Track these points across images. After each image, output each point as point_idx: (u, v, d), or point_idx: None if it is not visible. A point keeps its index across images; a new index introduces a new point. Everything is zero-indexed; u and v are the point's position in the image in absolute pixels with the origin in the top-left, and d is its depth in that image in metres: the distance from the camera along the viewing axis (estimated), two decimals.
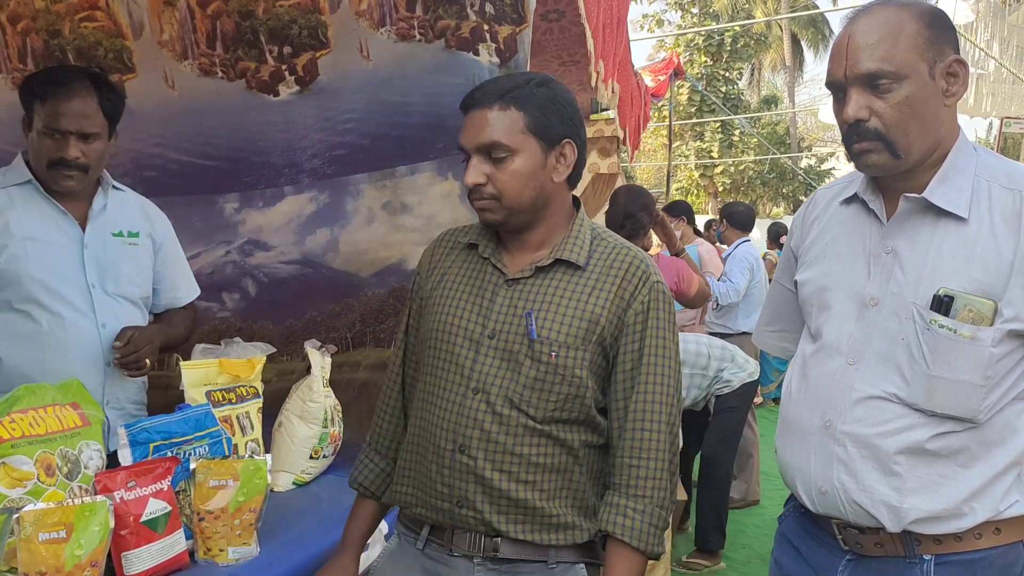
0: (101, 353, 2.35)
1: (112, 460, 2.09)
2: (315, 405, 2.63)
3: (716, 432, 4.74)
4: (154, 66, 3.27)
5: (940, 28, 1.56)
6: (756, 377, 4.84)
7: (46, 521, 1.70)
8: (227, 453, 2.25)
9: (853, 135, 1.60)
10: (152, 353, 2.37)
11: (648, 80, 7.34)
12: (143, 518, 1.89)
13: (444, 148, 2.95)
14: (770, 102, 33.64)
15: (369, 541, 2.08)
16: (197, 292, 2.76)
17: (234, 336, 2.74)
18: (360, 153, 3.16)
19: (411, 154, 3.04)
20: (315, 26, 3.07)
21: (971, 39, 8.97)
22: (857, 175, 1.74)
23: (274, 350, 2.68)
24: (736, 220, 6.39)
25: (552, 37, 5.19)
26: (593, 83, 4.48)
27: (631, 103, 5.70)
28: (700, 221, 14.56)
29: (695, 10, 29.01)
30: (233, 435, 2.37)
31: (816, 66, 37.70)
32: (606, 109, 8.31)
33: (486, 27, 2.86)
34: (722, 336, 5.52)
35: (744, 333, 5.88)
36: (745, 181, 29.04)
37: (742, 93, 30.56)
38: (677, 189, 28.33)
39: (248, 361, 2.53)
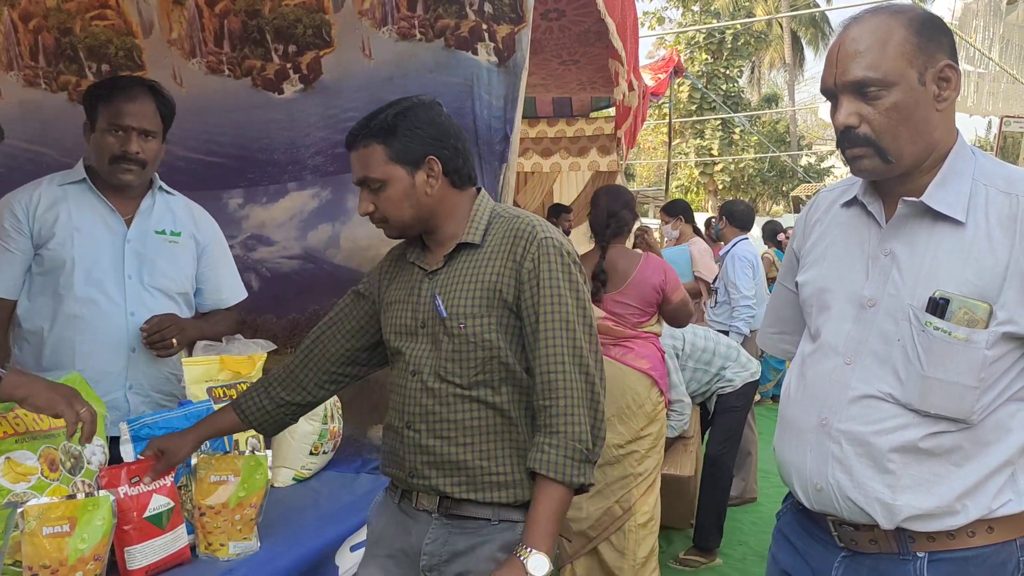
0: (126, 339, 2.49)
1: (113, 448, 2.12)
2: None
3: (720, 432, 4.77)
4: (163, 64, 3.31)
5: (931, 34, 1.58)
6: (758, 377, 4.86)
7: (50, 515, 1.72)
8: (228, 449, 2.27)
9: (845, 141, 1.63)
10: (179, 335, 2.50)
11: (648, 79, 7.34)
12: (146, 514, 1.91)
13: None
14: (770, 100, 33.65)
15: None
16: (243, 295, 2.87)
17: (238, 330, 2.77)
18: None
19: None
20: (319, 25, 3.10)
21: (968, 39, 8.97)
22: (858, 178, 1.76)
23: (274, 347, 2.71)
24: (736, 219, 6.38)
25: (552, 36, 5.21)
26: (626, 80, 4.49)
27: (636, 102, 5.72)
28: (700, 219, 14.57)
29: (696, 7, 29.00)
30: None
31: (816, 64, 37.59)
32: (605, 107, 8.33)
33: (485, 26, 2.87)
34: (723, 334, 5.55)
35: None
36: (745, 179, 29.06)
37: (742, 91, 30.55)
38: (677, 187, 28.35)
39: (249, 358, 2.56)
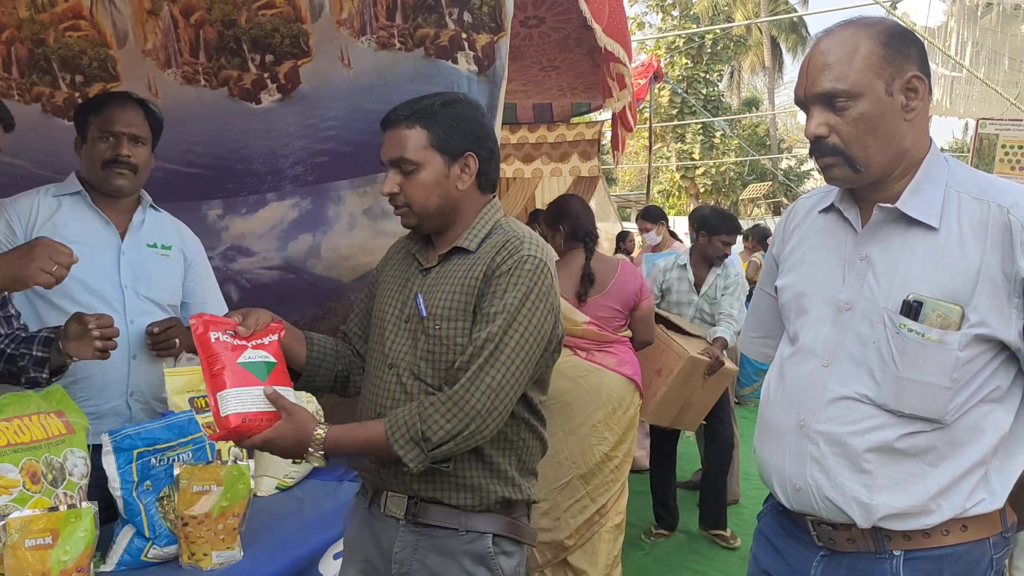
0: (128, 347, 2.51)
1: (95, 457, 2.12)
2: None
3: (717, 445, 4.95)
4: (138, 75, 3.29)
5: (899, 46, 1.61)
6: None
7: (32, 528, 1.72)
8: (211, 459, 2.27)
9: (816, 151, 1.68)
10: (180, 337, 2.54)
11: None
12: (240, 359, 1.79)
13: None
14: (751, 104, 33.84)
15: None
16: (224, 310, 2.83)
17: None
18: (341, 160, 3.18)
19: None
20: (297, 35, 3.09)
21: (938, 44, 9.05)
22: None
23: None
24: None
25: (532, 43, 5.22)
26: (632, 80, 4.50)
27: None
28: (682, 223, 14.65)
29: (675, 12, 29.14)
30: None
31: (795, 68, 37.82)
32: (586, 112, 8.36)
33: (464, 36, 2.89)
34: None
35: None
36: (726, 182, 29.18)
37: (722, 95, 30.71)
38: (659, 191, 28.47)
39: None
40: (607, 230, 9.67)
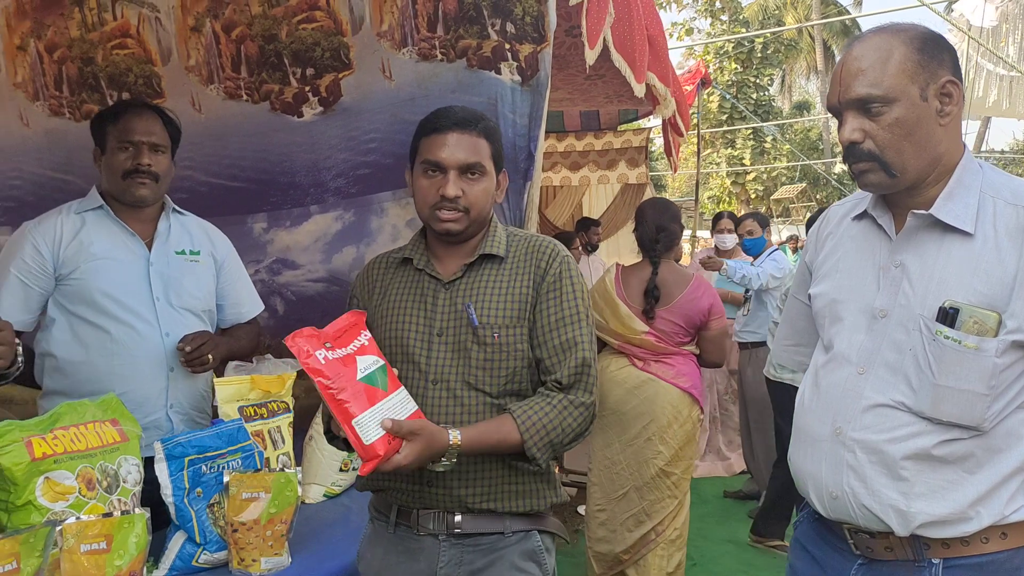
0: (165, 359, 2.54)
1: (148, 468, 2.16)
2: None
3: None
4: (182, 91, 3.36)
5: (932, 51, 1.61)
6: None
7: (87, 533, 1.77)
8: (259, 466, 2.31)
9: (851, 156, 1.67)
10: (215, 351, 2.55)
11: None
12: (359, 375, 1.71)
13: None
14: (802, 107, 33.38)
15: None
16: (260, 307, 2.91)
17: (265, 353, 2.82)
18: (384, 172, 3.21)
19: None
20: (338, 48, 3.13)
21: (987, 45, 8.88)
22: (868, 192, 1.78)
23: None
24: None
25: (577, 52, 5.21)
26: (672, 95, 4.50)
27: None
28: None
29: (724, 17, 28.90)
30: (265, 449, 2.43)
31: None
32: (633, 119, 8.35)
33: (507, 46, 2.90)
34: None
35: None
36: (778, 188, 28.83)
37: (773, 99, 30.35)
38: (709, 197, 28.22)
39: (279, 377, 2.60)
40: None
